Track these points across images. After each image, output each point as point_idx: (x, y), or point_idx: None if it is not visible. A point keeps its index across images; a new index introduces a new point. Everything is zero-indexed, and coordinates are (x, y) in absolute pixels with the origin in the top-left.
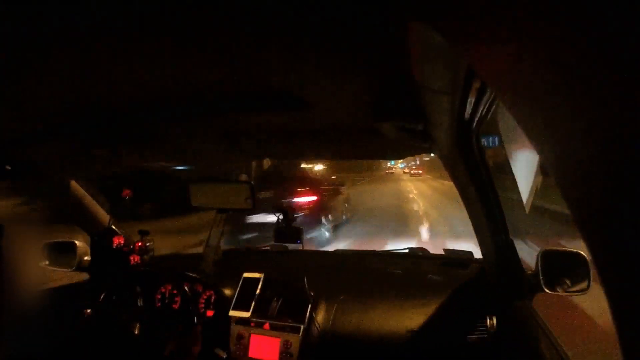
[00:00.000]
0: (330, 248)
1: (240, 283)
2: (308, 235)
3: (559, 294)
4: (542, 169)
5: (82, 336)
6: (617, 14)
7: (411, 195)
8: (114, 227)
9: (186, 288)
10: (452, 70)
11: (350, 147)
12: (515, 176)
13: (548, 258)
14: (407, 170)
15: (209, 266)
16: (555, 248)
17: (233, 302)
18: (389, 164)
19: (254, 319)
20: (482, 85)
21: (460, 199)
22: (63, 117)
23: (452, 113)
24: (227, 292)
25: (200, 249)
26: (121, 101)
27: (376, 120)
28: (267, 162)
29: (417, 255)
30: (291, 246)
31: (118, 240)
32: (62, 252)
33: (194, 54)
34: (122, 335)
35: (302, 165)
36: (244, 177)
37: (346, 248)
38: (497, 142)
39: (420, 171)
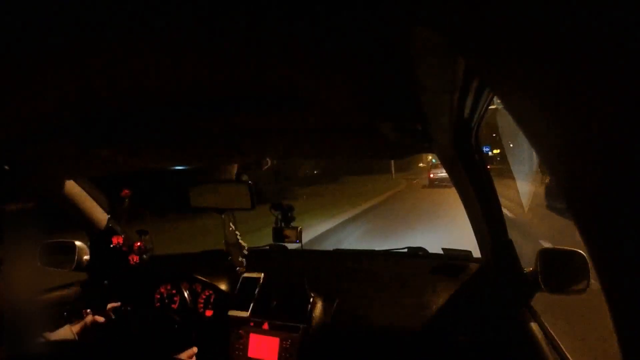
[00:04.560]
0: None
1: (239, 283)
2: None
3: (558, 293)
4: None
5: (82, 336)
6: (616, 13)
7: None
8: (112, 226)
9: (185, 288)
10: (451, 70)
11: (350, 147)
12: (515, 176)
13: (547, 257)
14: (432, 176)
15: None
16: (554, 247)
17: (232, 302)
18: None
19: (253, 319)
20: (481, 85)
21: None
22: (63, 117)
23: (451, 113)
24: (226, 291)
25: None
26: (121, 101)
27: (375, 120)
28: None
29: (416, 254)
30: (291, 246)
31: (117, 240)
32: (61, 252)
33: (193, 54)
34: (121, 335)
35: None
36: (244, 177)
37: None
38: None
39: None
